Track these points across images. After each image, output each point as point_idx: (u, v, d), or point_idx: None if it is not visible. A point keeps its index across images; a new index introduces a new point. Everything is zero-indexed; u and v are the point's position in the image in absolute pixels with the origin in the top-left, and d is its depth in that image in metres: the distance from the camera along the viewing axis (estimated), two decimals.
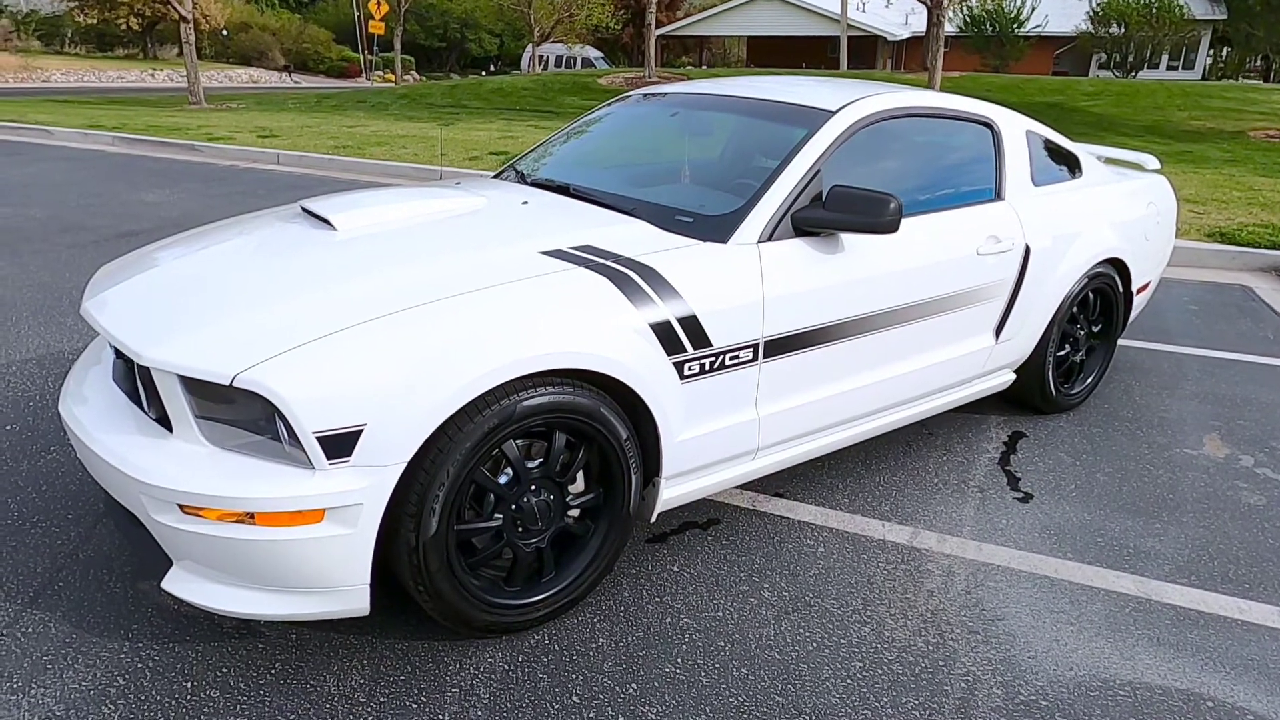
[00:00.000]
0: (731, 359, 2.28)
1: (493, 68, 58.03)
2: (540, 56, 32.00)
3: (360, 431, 1.74)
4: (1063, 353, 3.47)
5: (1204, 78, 30.92)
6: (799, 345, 2.42)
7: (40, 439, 3.06)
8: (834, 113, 2.66)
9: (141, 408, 2.00)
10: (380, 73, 43.30)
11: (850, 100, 2.72)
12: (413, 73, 32.63)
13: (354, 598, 1.86)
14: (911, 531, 2.65)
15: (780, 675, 2.02)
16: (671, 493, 2.33)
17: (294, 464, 1.77)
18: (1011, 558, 2.53)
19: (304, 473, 1.75)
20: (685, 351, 2.17)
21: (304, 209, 2.50)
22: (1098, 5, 28.90)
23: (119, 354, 2.12)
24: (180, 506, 1.79)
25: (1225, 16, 29.36)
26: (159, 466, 1.80)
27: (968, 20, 29.63)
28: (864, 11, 33.63)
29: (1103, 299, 3.56)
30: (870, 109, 2.72)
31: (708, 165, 2.92)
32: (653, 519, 2.37)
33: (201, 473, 1.78)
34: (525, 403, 1.91)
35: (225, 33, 43.78)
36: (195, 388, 1.81)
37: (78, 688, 1.90)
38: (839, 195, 2.39)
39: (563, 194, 2.72)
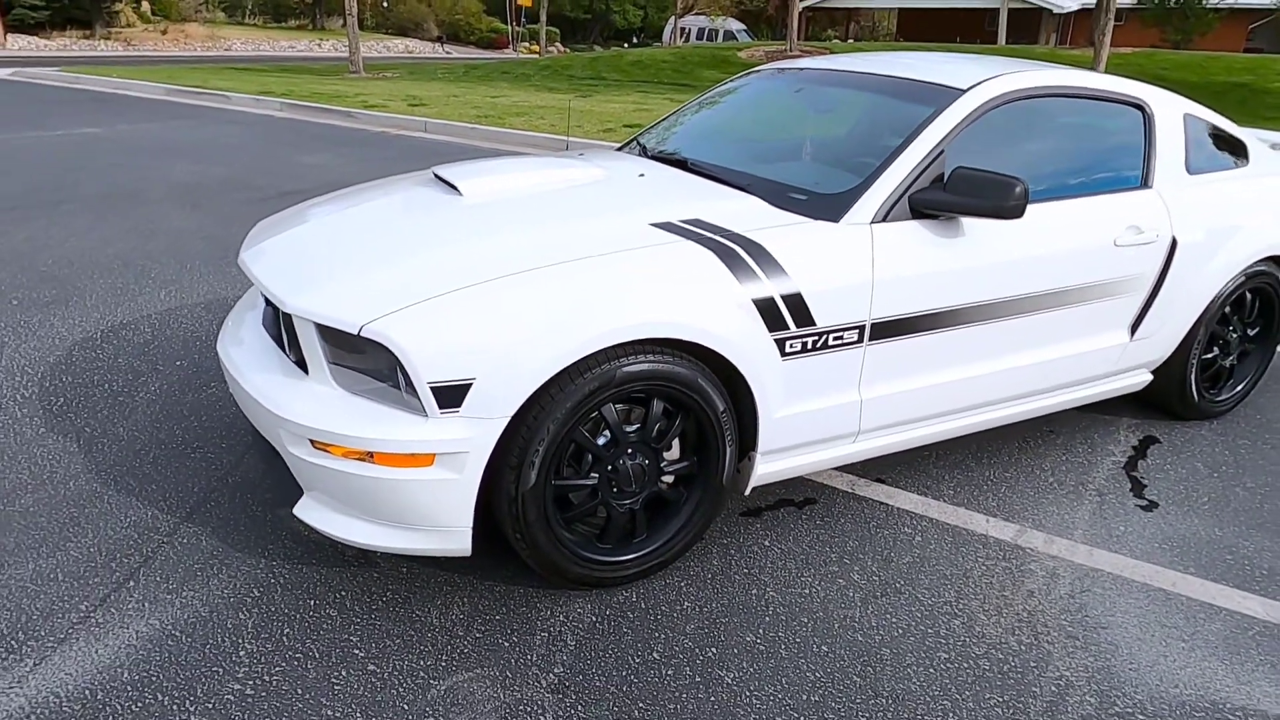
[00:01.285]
0: (835, 339, 2.27)
1: (635, 40, 58.27)
2: (682, 29, 31.88)
3: (470, 385, 1.87)
4: (1210, 355, 3.22)
5: None
6: (909, 329, 2.38)
7: (203, 375, 3.41)
8: (964, 91, 2.56)
9: (285, 351, 2.21)
10: (526, 44, 44.38)
11: (983, 78, 2.61)
12: (557, 44, 33.32)
13: (457, 538, 2.00)
14: (1017, 529, 2.56)
15: (860, 656, 2.02)
16: (767, 468, 2.36)
17: (410, 410, 1.92)
18: (1124, 566, 2.40)
19: (418, 419, 1.90)
20: (788, 329, 2.18)
21: (436, 175, 2.66)
22: None
23: (268, 301, 2.34)
24: (311, 442, 1.97)
25: None
26: (295, 404, 2.00)
27: None
28: None
29: (1262, 299, 3.26)
30: (1004, 88, 2.60)
31: (829, 142, 2.88)
32: (747, 492, 2.40)
33: (331, 412, 1.96)
34: (625, 368, 1.99)
35: (385, 4, 46.06)
36: (329, 335, 1.98)
37: (220, 594, 2.15)
38: (961, 177, 2.31)
39: (680, 168, 2.76)
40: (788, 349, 2.20)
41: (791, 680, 1.94)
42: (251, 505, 2.54)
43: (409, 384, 1.89)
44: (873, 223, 2.33)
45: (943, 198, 2.33)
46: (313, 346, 2.01)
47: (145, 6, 33.96)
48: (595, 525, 2.19)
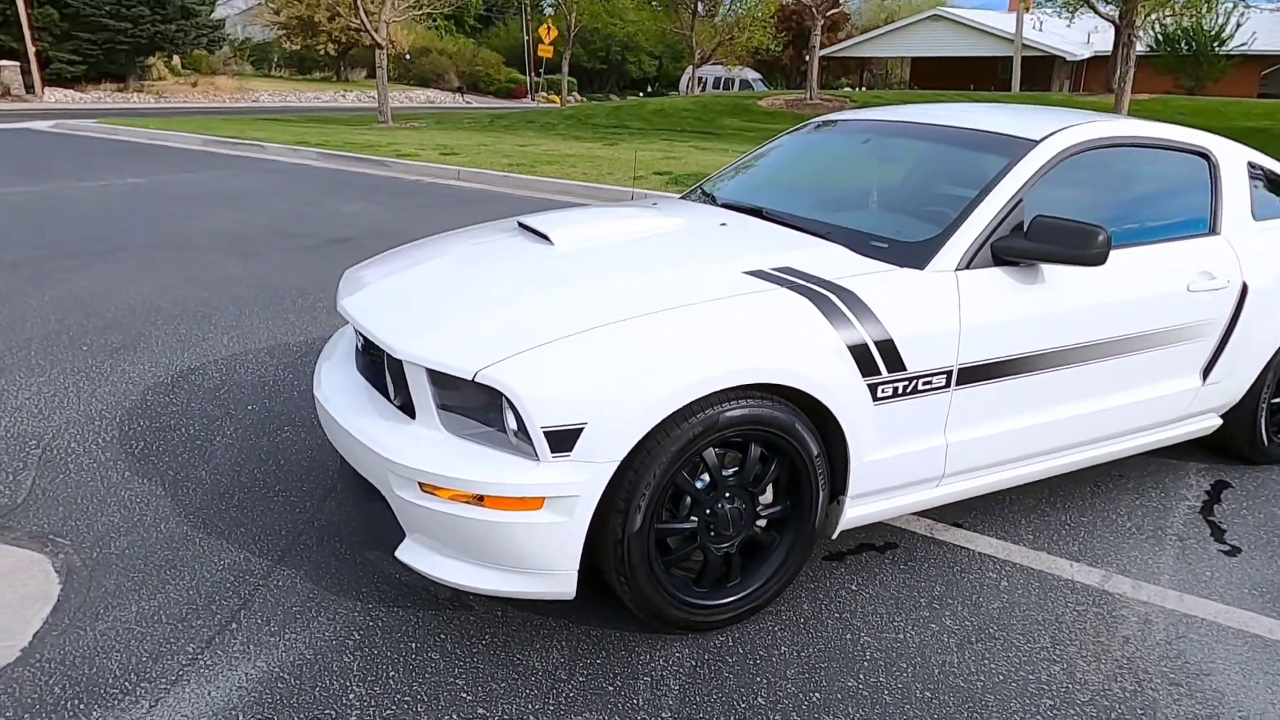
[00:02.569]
0: (924, 384, 2.30)
1: (650, 89, 59.42)
2: (699, 78, 32.51)
3: (582, 429, 1.91)
4: (1278, 400, 3.23)
5: None
6: (993, 374, 2.41)
7: (276, 419, 3.47)
8: (1037, 142, 2.63)
9: (386, 395, 2.27)
10: (544, 93, 45.36)
11: (1055, 129, 2.68)
12: (575, 94, 34.17)
13: (562, 581, 2.02)
14: (1103, 574, 2.56)
15: (965, 702, 2.01)
16: (855, 511, 2.38)
17: (520, 454, 1.96)
18: (1217, 612, 2.39)
19: (529, 463, 1.94)
20: (880, 374, 2.22)
21: (521, 224, 2.74)
22: None
23: (366, 347, 2.40)
24: (420, 484, 2.02)
25: None
26: (404, 448, 2.04)
27: (1160, 39, 27.56)
28: (1040, 30, 31.99)
29: None
30: (1075, 138, 2.67)
31: (900, 191, 2.95)
32: (834, 536, 2.42)
33: (440, 456, 2.00)
34: (727, 413, 2.03)
35: (409, 57, 47.32)
36: (439, 380, 2.04)
37: (322, 637, 2.18)
38: (1043, 225, 2.37)
39: (755, 216, 2.83)
40: (879, 394, 2.23)
41: None
42: (340, 549, 2.58)
43: (521, 428, 1.93)
44: (957, 270, 2.38)
45: (1026, 245, 2.38)
46: (422, 391, 2.06)
47: (176, 60, 35.04)
48: (691, 569, 2.21)
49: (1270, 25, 27.24)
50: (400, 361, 2.10)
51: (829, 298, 2.20)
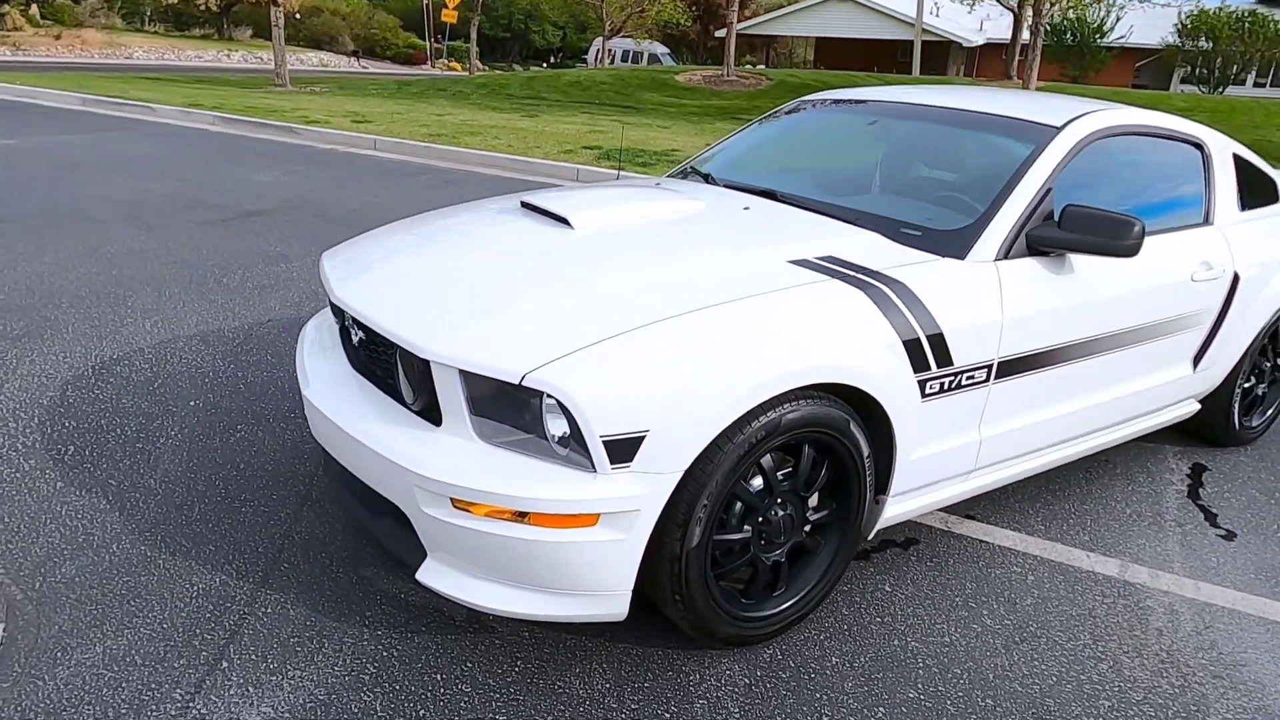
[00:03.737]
0: (968, 379, 2.22)
1: (554, 59, 58.25)
2: (609, 50, 32.05)
3: (644, 437, 1.73)
4: (1249, 384, 3.35)
5: None
6: (1027, 367, 2.36)
7: (225, 417, 3.12)
8: (1060, 129, 2.58)
9: (395, 397, 2.01)
10: (445, 61, 43.78)
11: (1074, 115, 2.64)
12: (476, 62, 32.92)
13: (615, 603, 1.85)
14: (1120, 564, 2.57)
15: (1028, 709, 1.96)
16: (892, 510, 2.29)
17: (572, 466, 1.76)
18: (1234, 599, 2.43)
19: (582, 475, 1.74)
20: (930, 370, 2.12)
21: (526, 204, 2.50)
22: (1186, 18, 28.01)
23: (367, 342, 2.13)
24: (452, 500, 1.79)
25: None
26: (433, 459, 1.81)
27: (1048, 29, 28.95)
28: (938, 16, 33.02)
29: None
30: (1094, 125, 2.63)
31: (920, 177, 2.86)
32: (871, 536, 2.33)
33: (477, 468, 1.78)
34: (788, 415, 1.88)
35: (299, 17, 44.64)
36: (473, 383, 1.81)
37: (332, 672, 1.92)
38: (1078, 215, 2.31)
39: (768, 199, 2.68)
40: (928, 390, 2.14)
41: None
42: (330, 566, 2.31)
43: (575, 436, 1.73)
44: (996, 260, 2.30)
45: (1062, 235, 2.32)
46: (453, 395, 1.82)
47: (34, 10, 31.89)
48: (739, 580, 2.07)
49: (1145, 20, 28.98)
50: (424, 361, 1.85)
51: (882, 290, 2.08)
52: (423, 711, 1.84)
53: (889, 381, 2.04)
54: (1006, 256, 2.32)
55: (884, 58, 33.67)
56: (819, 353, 1.90)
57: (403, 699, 1.86)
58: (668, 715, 1.87)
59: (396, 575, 2.28)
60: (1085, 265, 2.46)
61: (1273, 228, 3.17)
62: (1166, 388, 2.92)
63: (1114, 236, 2.26)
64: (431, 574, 1.91)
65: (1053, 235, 2.34)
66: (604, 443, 1.71)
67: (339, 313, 2.37)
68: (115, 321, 3.99)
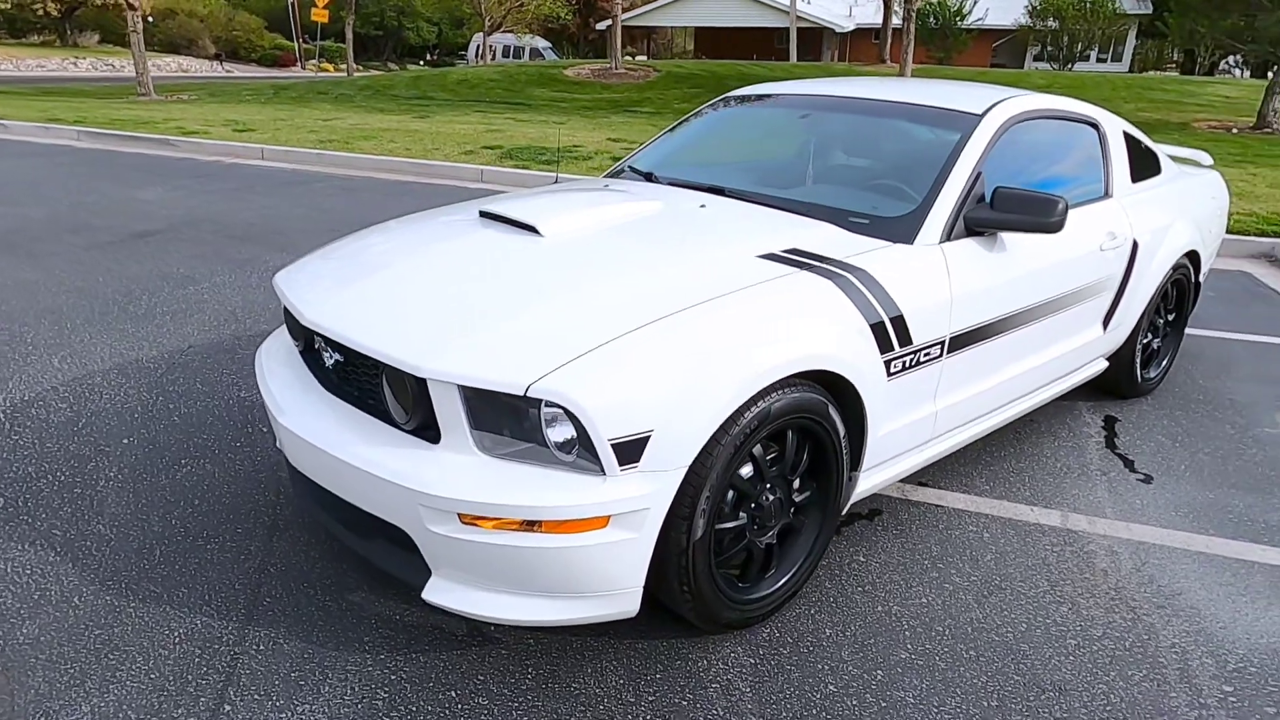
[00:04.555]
0: (925, 355, 2.37)
1: (431, 57, 56.84)
2: (490, 46, 31.57)
3: (649, 437, 1.77)
4: (1147, 340, 3.67)
5: (1130, 70, 32.36)
6: (973, 340, 2.53)
7: (166, 453, 2.97)
8: (981, 116, 2.76)
9: (381, 418, 1.99)
10: (316, 62, 42.09)
11: (992, 103, 2.83)
12: (351, 62, 31.72)
13: (627, 600, 1.89)
14: (1061, 515, 2.79)
15: (1008, 655, 2.12)
16: (864, 484, 2.42)
17: (580, 471, 1.79)
18: (1161, 536, 2.69)
19: (592, 479, 1.78)
20: (894, 350, 2.25)
21: (486, 213, 2.49)
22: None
23: (344, 364, 2.08)
24: (460, 516, 1.79)
25: (1150, 11, 30.76)
26: (437, 478, 1.80)
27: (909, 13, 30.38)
28: (810, 4, 34.11)
29: (1179, 290, 3.77)
30: (1011, 111, 2.84)
31: (857, 167, 2.99)
32: (845, 510, 2.45)
33: (484, 482, 1.78)
34: (776, 404, 1.97)
35: (151, 19, 41.89)
36: (473, 397, 1.81)
37: (343, 702, 1.89)
38: (1007, 196, 2.50)
39: (719, 195, 2.76)
40: (892, 369, 2.27)
41: (964, 690, 2.00)
42: (316, 595, 2.25)
43: (583, 442, 1.76)
44: (941, 243, 2.46)
45: (995, 216, 2.50)
46: (452, 412, 1.82)
47: None
48: (734, 566, 2.14)
49: (998, 3, 30.82)
50: (418, 380, 1.84)
51: (847, 278, 2.19)
52: None
53: (860, 364, 2.15)
54: (949, 238, 2.48)
55: (762, 46, 34.54)
56: (801, 342, 1.99)
57: (421, 719, 1.85)
58: (684, 703, 1.93)
59: (388, 597, 2.24)
60: (1015, 242, 2.65)
61: (1159, 197, 3.49)
62: (1084, 349, 3.18)
63: (1042, 214, 2.45)
64: (439, 592, 1.90)
65: (988, 216, 2.51)
66: (612, 446, 1.75)
67: (302, 334, 2.31)
68: (18, 360, 3.71)
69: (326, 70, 40.30)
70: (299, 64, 45.73)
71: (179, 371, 3.67)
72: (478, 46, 33.49)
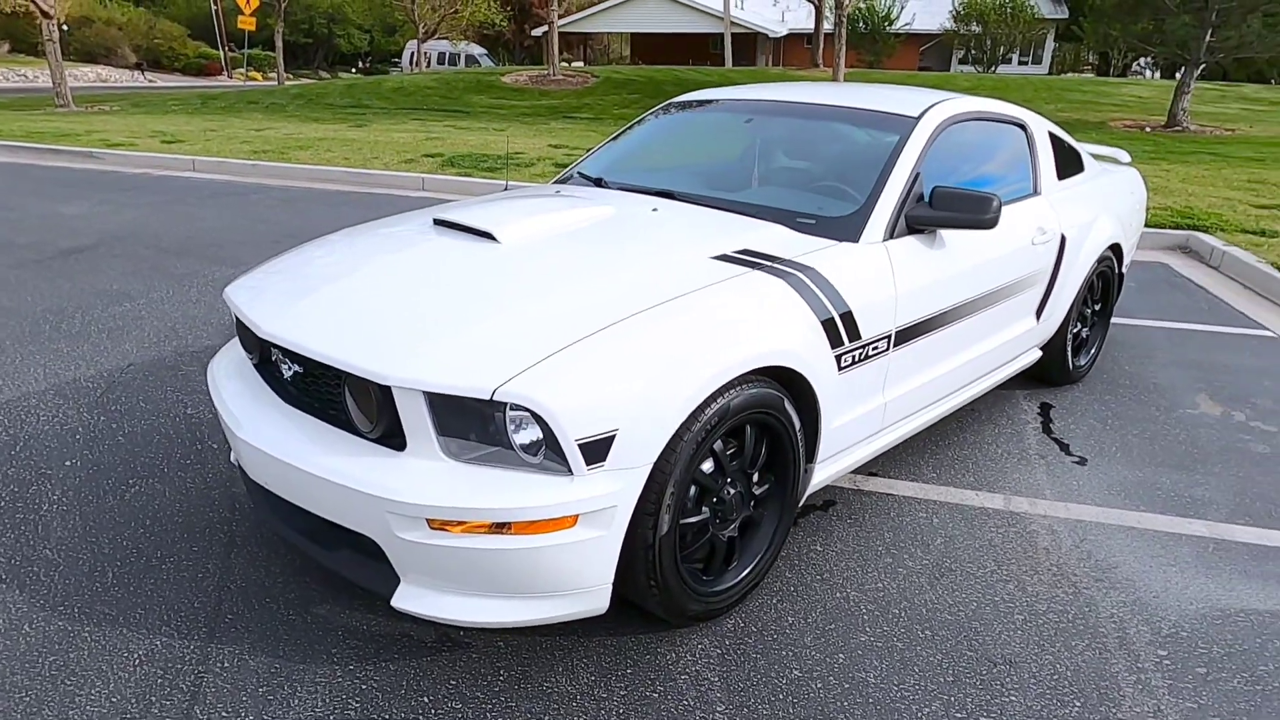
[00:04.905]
0: (873, 349, 2.46)
1: (363, 64, 55.89)
2: (425, 53, 31.23)
3: (614, 436, 1.82)
4: (1076, 329, 3.86)
5: (1050, 72, 33.68)
6: (917, 334, 2.63)
7: (112, 473, 2.89)
8: (917, 118, 2.88)
9: (344, 428, 1.98)
10: (243, 70, 41.01)
11: (926, 106, 2.95)
12: (280, 71, 30.93)
13: (597, 597, 1.93)
14: (1004, 498, 2.92)
15: (961, 633, 2.22)
16: (820, 475, 2.50)
17: (547, 472, 1.82)
18: (1096, 514, 2.83)
19: (560, 480, 1.81)
20: (844, 344, 2.34)
21: (440, 221, 2.50)
22: (960, 4, 30.93)
23: (303, 376, 2.07)
24: (429, 522, 1.80)
25: (1067, 16, 32.08)
26: (405, 485, 1.81)
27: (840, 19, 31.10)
28: (743, 9, 34.65)
29: (1104, 281, 3.97)
30: (945, 113, 2.96)
31: (801, 169, 3.08)
32: (802, 502, 2.52)
33: (452, 487, 1.80)
34: (735, 401, 2.03)
35: (66, 28, 40.25)
36: (439, 403, 1.82)
37: (314, 715, 1.88)
38: (945, 195, 2.61)
39: (669, 199, 2.82)
40: (843, 363, 2.36)
41: (921, 668, 2.09)
42: (279, 609, 2.23)
43: (550, 444, 1.79)
44: (885, 240, 2.56)
45: (934, 214, 2.61)
46: (418, 418, 1.83)
47: None
48: (699, 560, 2.20)
49: (925, 8, 31.77)
50: (382, 388, 1.85)
51: (798, 276, 2.27)
52: None
53: (813, 359, 2.23)
54: (892, 236, 2.59)
55: (697, 51, 34.91)
56: (757, 340, 2.06)
57: None
58: (655, 695, 1.98)
59: (354, 608, 2.24)
60: (953, 239, 2.77)
61: (1083, 194, 3.68)
62: (1020, 339, 3.34)
63: (978, 212, 2.57)
64: (408, 599, 1.91)
65: (928, 214, 2.62)
66: (579, 446, 1.78)
67: (257, 347, 2.29)
68: None
69: (255, 79, 39.29)
70: (226, 73, 44.52)
71: (120, 390, 3.57)
72: (412, 54, 33.10)
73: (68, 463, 2.96)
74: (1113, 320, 4.42)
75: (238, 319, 2.35)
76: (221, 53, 45.79)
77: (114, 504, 2.71)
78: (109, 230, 6.51)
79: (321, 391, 2.04)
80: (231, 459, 2.63)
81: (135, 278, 5.25)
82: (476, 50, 35.78)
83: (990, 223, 2.58)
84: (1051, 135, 3.61)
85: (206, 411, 3.37)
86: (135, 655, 2.05)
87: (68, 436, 3.15)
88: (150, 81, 38.13)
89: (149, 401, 3.46)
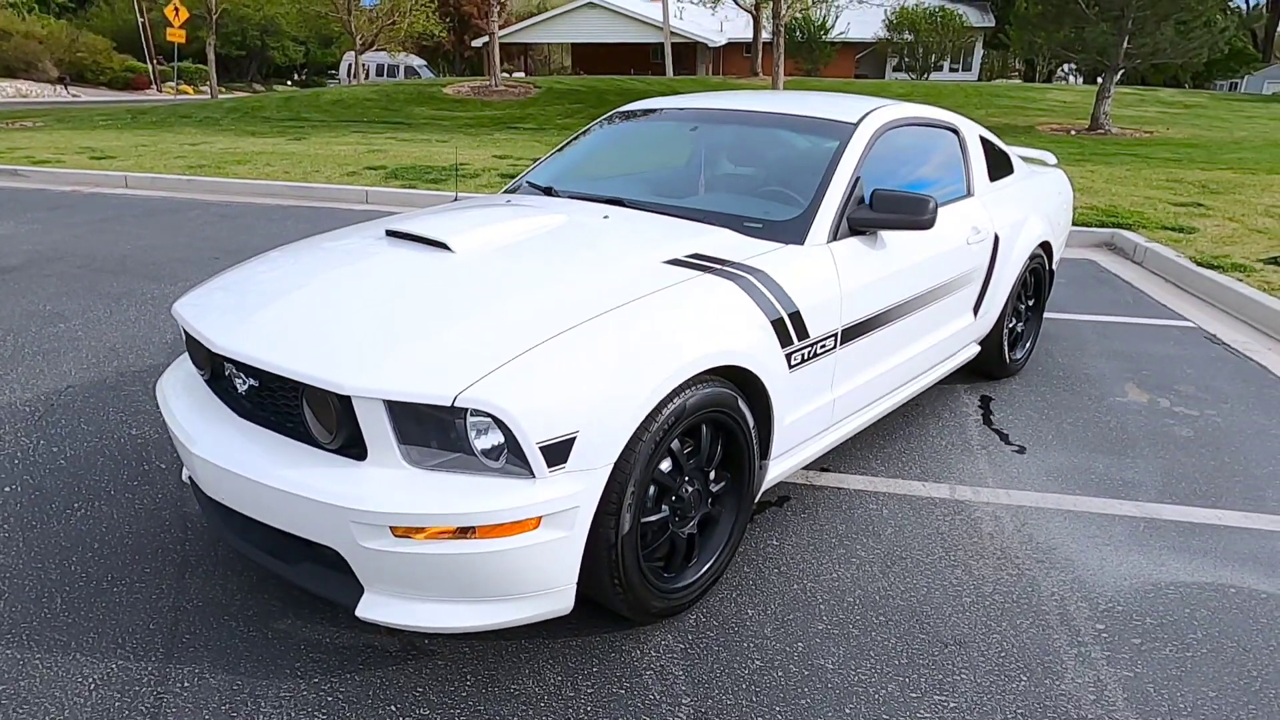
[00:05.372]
0: (821, 348, 2.55)
1: (298, 76, 54.92)
2: (363, 65, 30.83)
3: (574, 438, 1.85)
4: (1011, 324, 4.02)
5: (979, 79, 34.81)
6: (861, 332, 2.73)
7: (56, 497, 2.82)
8: (856, 125, 2.99)
9: (304, 440, 1.98)
10: (174, 84, 39.93)
11: (864, 113, 3.07)
12: (211, 83, 30.21)
13: (561, 598, 1.96)
14: (949, 488, 3.04)
15: (913, 617, 2.31)
16: (773, 471, 2.57)
17: (509, 476, 1.85)
18: (1036, 499, 2.97)
19: (522, 483, 1.84)
20: (793, 343, 2.41)
21: (393, 232, 2.51)
22: (892, 14, 31.77)
23: (257, 390, 2.06)
24: (392, 529, 1.82)
25: (994, 24, 33.22)
26: (367, 494, 1.82)
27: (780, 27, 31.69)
28: (682, 19, 35.00)
29: (1036, 278, 4.14)
30: (882, 119, 3.08)
31: (745, 175, 3.16)
32: (757, 498, 2.59)
33: (415, 494, 1.82)
34: (690, 400, 2.08)
35: None
36: (400, 411, 1.84)
37: None
38: (884, 197, 2.71)
39: (619, 206, 2.87)
40: (793, 362, 2.43)
41: (877, 651, 2.17)
42: (238, 626, 2.21)
43: (511, 447, 1.82)
44: (829, 242, 2.65)
45: (874, 216, 2.71)
46: (379, 427, 1.84)
47: None
48: (660, 557, 2.24)
49: (859, 17, 32.53)
50: (341, 398, 1.85)
51: (748, 279, 2.34)
52: None
53: (764, 359, 2.30)
54: (835, 238, 2.68)
55: (638, 60, 35.18)
56: (710, 341, 2.12)
57: None
58: (622, 691, 2.01)
59: (316, 621, 2.23)
60: (893, 240, 2.88)
61: (1014, 195, 3.84)
62: (959, 335, 3.47)
63: (916, 213, 2.67)
64: (373, 608, 1.91)
65: (869, 216, 2.72)
66: (540, 448, 1.82)
67: (208, 362, 2.27)
68: None
69: (186, 92, 38.27)
70: (155, 87, 43.29)
71: (59, 413, 3.47)
72: (349, 66, 32.65)
73: (7, 489, 2.87)
74: (1045, 315, 4.61)
75: (187, 334, 2.33)
76: (150, 66, 44.52)
77: (58, 529, 2.64)
78: (38, 250, 6.30)
79: (278, 404, 2.03)
80: (184, 477, 2.59)
81: (69, 298, 5.09)
82: (416, 62, 35.45)
83: (928, 223, 2.69)
84: (982, 139, 3.77)
85: (152, 431, 3.30)
86: (90, 680, 2.01)
87: (5, 461, 3.06)
88: (75, 96, 36.91)
89: (90, 423, 3.38)
